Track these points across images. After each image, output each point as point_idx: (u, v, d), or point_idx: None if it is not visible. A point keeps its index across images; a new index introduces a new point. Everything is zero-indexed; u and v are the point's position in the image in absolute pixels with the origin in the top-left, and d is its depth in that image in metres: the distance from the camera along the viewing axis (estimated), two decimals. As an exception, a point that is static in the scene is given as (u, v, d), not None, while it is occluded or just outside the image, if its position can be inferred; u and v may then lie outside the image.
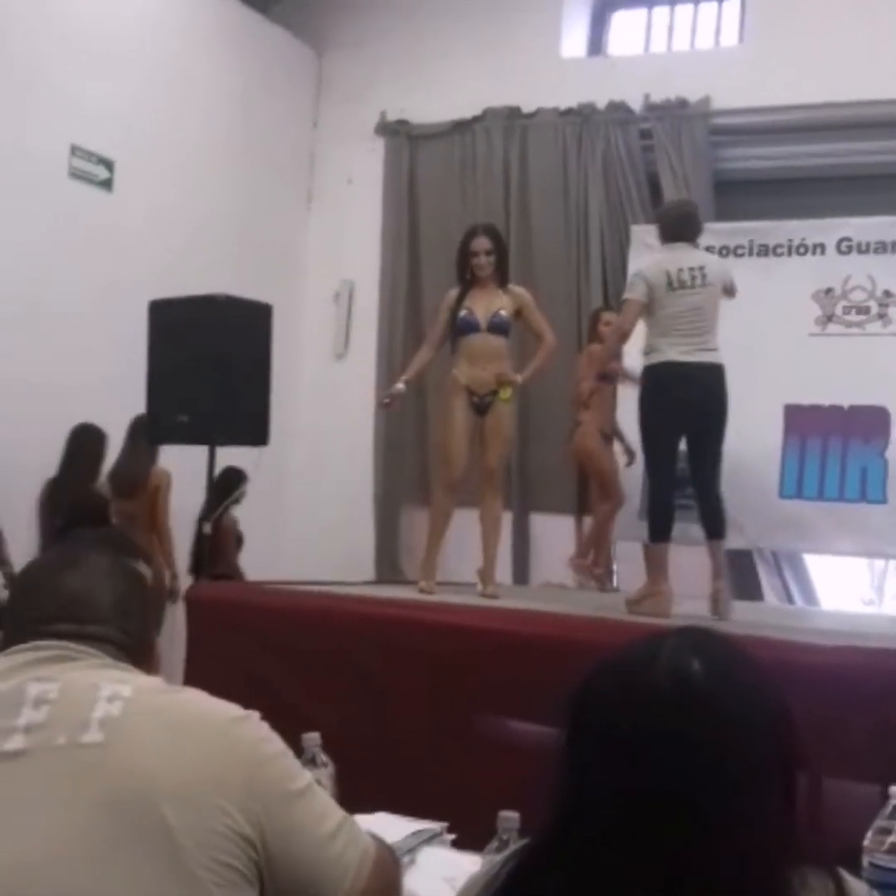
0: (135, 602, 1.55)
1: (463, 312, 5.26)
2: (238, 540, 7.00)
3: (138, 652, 1.52)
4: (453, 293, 5.37)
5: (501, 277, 5.34)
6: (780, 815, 1.09)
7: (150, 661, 1.57)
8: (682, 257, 4.85)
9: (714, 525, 4.93)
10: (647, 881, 1.05)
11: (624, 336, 5.22)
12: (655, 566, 4.99)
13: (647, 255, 6.98)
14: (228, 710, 1.43)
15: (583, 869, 1.07)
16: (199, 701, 1.44)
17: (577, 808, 1.11)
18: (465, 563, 5.71)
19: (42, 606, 1.49)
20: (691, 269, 4.78)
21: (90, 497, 5.64)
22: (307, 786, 1.44)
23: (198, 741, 1.35)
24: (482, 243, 5.28)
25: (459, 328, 5.28)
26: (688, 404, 4.77)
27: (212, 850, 1.29)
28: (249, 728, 1.41)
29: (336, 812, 1.47)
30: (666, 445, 4.91)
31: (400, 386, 5.61)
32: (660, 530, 4.94)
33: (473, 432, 5.29)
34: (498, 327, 5.26)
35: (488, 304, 5.26)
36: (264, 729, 1.43)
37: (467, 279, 5.31)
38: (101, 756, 1.30)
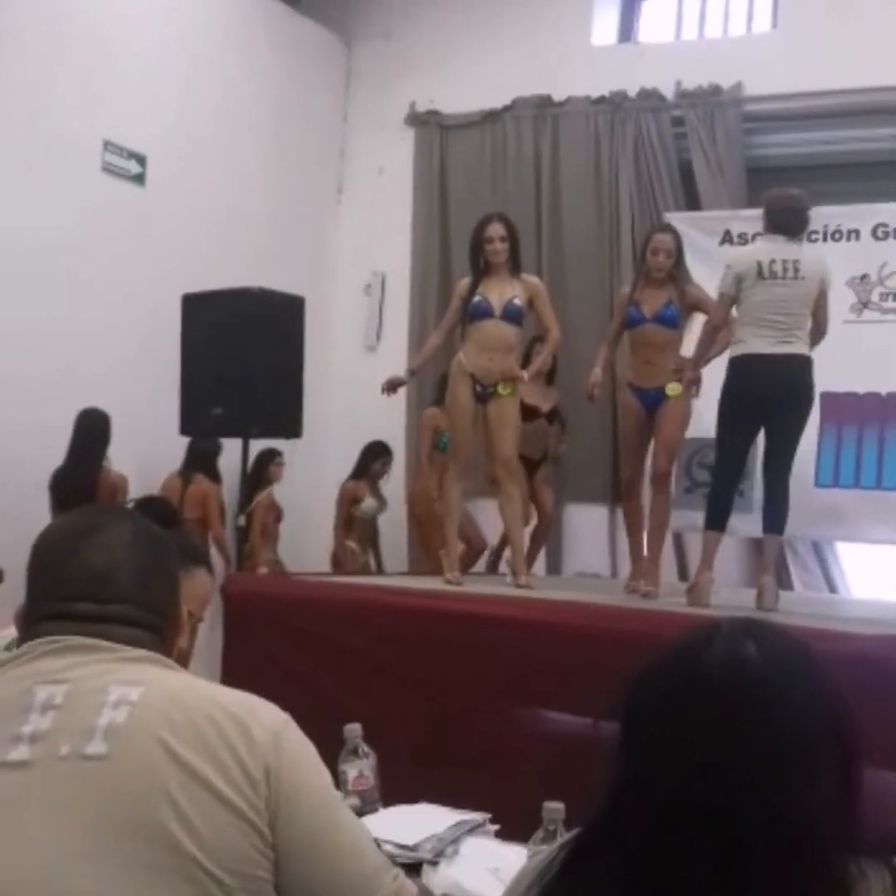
0: (157, 573, 1.50)
1: (476, 299, 5.23)
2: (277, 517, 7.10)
3: (163, 626, 1.48)
4: (466, 282, 5.37)
5: (514, 265, 5.31)
6: (838, 803, 1.07)
7: (176, 634, 1.54)
8: (778, 249, 4.78)
9: (774, 520, 4.85)
10: (702, 869, 1.04)
11: (715, 330, 5.15)
12: (701, 555, 4.96)
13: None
14: (246, 699, 1.38)
15: (638, 856, 1.06)
16: (212, 690, 1.39)
17: (632, 795, 1.10)
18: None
19: (62, 583, 1.44)
20: (784, 261, 4.71)
21: (154, 502, 5.48)
22: (335, 795, 1.41)
23: (209, 730, 1.31)
24: (496, 229, 5.26)
25: (471, 314, 5.25)
26: (763, 396, 4.70)
27: (221, 854, 1.26)
28: (267, 715, 1.36)
29: (365, 831, 1.44)
30: (734, 436, 4.85)
31: (402, 375, 5.61)
32: (713, 519, 4.91)
33: (477, 420, 5.27)
34: (512, 315, 5.24)
35: (502, 292, 5.23)
36: (290, 723, 1.38)
37: (480, 267, 5.30)
38: (104, 769, 1.27)
